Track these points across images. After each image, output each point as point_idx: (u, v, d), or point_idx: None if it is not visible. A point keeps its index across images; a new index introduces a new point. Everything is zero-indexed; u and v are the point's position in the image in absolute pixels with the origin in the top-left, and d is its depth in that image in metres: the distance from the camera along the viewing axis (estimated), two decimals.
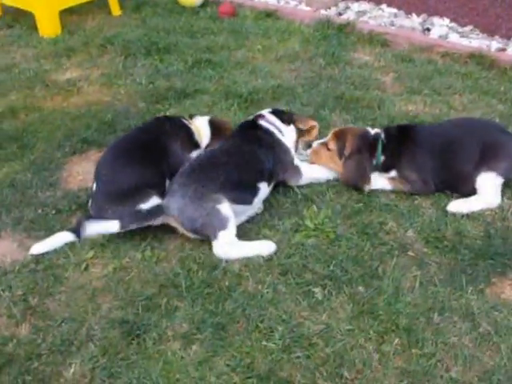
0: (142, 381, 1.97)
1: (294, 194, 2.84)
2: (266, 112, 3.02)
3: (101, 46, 4.62)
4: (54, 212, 2.80)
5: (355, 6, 5.29)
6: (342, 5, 5.36)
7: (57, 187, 2.99)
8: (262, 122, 2.93)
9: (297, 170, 2.88)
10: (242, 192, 2.64)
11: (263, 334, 2.11)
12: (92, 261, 2.52)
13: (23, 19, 5.15)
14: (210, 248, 2.52)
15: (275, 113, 3.02)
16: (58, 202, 2.86)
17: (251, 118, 3.03)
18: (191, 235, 2.55)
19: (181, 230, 2.56)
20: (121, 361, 2.05)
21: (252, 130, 2.90)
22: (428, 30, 4.78)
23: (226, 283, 2.34)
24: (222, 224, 2.47)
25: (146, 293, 2.32)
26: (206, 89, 3.87)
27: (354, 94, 3.74)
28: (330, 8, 5.29)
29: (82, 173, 3.11)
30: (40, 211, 2.80)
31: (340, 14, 5.17)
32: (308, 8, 5.34)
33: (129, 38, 4.70)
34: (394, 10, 5.17)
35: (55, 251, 2.56)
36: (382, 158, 2.84)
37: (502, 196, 2.76)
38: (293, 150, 2.95)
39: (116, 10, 5.38)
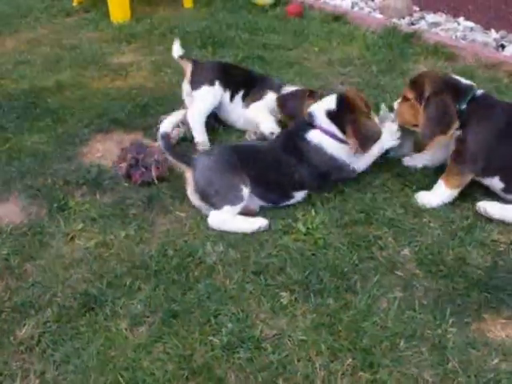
0: (80, 352, 1.99)
1: None
2: (321, 111, 2.70)
3: (161, 35, 4.79)
4: (61, 183, 2.91)
5: (430, 17, 5.05)
6: (417, 15, 5.14)
7: (73, 160, 3.12)
8: (310, 136, 2.68)
9: (353, 173, 2.78)
10: (271, 193, 2.65)
11: (212, 329, 2.06)
12: (80, 233, 2.59)
13: (101, 5, 5.46)
14: (194, 237, 2.52)
15: (333, 113, 2.68)
16: (68, 175, 2.98)
17: (303, 118, 2.79)
18: (194, 198, 2.61)
19: (189, 188, 2.62)
20: (70, 330, 2.09)
21: (296, 140, 2.70)
22: (502, 46, 4.45)
23: (196, 273, 2.32)
24: (234, 201, 2.52)
25: (117, 271, 2.34)
26: None
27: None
28: (403, 17, 5.10)
29: (101, 150, 3.23)
30: (49, 181, 2.93)
31: (412, 24, 4.97)
32: (380, 15, 5.18)
33: (190, 29, 4.83)
34: (471, 24, 4.87)
35: (49, 218, 2.67)
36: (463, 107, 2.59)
37: None
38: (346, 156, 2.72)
39: (188, 3, 5.55)
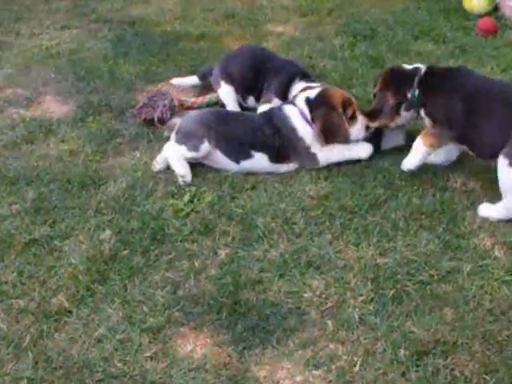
0: None
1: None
2: (303, 96, 3.20)
3: (333, 18, 5.09)
4: (103, 104, 3.81)
5: None
6: None
7: (127, 93, 3.96)
8: (286, 107, 3.22)
9: (312, 157, 3.15)
10: (234, 149, 3.15)
11: (25, 231, 2.76)
12: (71, 138, 3.50)
13: None
14: (121, 175, 3.13)
15: (310, 101, 3.17)
16: (112, 100, 3.85)
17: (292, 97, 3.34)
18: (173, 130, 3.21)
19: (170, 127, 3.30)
20: None
21: (274, 108, 3.34)
22: None
23: (80, 194, 3.00)
24: (191, 147, 3.09)
25: (48, 170, 3.19)
26: None
27: None
28: None
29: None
30: (96, 99, 3.86)
31: None
32: None
33: (369, 18, 4.99)
34: None
35: (65, 124, 3.61)
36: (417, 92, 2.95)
37: None
38: (309, 137, 3.14)
39: None
